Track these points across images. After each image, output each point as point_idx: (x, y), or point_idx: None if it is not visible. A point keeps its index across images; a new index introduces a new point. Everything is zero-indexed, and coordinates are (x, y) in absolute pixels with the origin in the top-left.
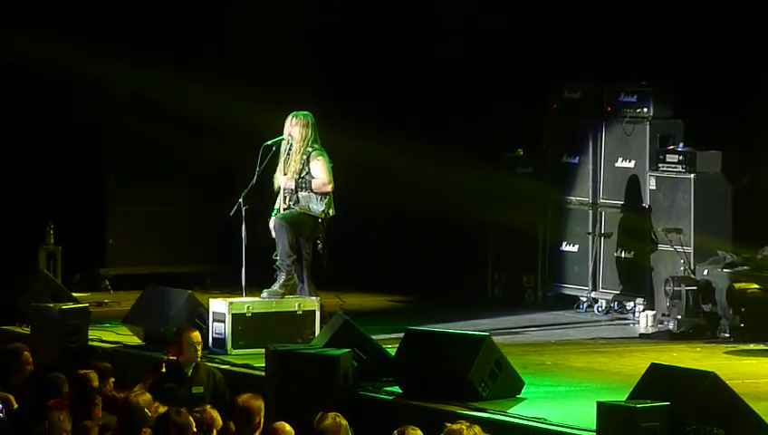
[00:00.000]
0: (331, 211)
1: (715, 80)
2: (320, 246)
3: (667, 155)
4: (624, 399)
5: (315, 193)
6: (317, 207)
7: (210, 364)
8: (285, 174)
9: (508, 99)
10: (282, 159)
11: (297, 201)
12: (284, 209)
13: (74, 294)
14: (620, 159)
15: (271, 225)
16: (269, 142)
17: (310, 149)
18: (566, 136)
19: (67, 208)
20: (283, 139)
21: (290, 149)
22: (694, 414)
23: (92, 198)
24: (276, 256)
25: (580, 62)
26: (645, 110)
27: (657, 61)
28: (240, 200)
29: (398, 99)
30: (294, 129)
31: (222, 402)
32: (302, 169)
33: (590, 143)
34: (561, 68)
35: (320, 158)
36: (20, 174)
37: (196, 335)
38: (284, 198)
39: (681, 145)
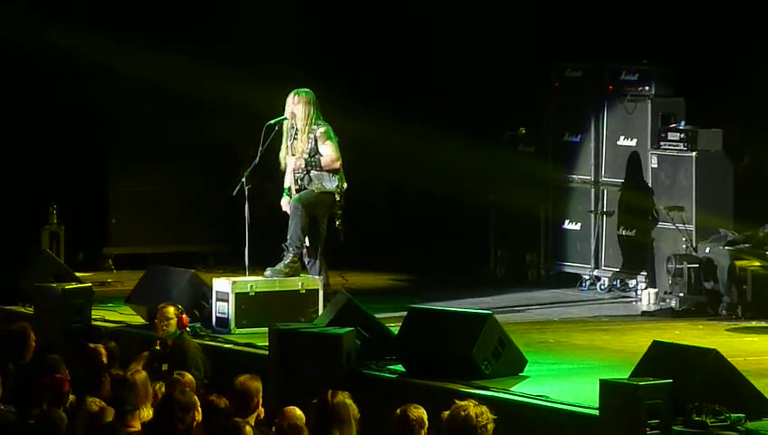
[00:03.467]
0: (344, 184)
1: (716, 58)
2: (337, 222)
3: (669, 133)
4: (627, 376)
5: (326, 171)
6: (330, 184)
7: (195, 340)
8: (293, 155)
9: (510, 78)
10: (286, 138)
11: (310, 181)
12: (297, 190)
13: (77, 274)
14: (622, 138)
15: (283, 204)
16: (272, 122)
17: (315, 127)
18: (567, 115)
19: (70, 188)
20: (285, 118)
21: (295, 130)
22: (696, 392)
23: (95, 178)
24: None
25: (581, 40)
26: (646, 88)
27: (659, 39)
28: (243, 180)
29: (399, 79)
30: (297, 107)
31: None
32: (309, 148)
33: (592, 122)
34: (563, 47)
35: (326, 136)
36: (23, 155)
37: (168, 311)
38: (296, 179)
39: (682, 123)
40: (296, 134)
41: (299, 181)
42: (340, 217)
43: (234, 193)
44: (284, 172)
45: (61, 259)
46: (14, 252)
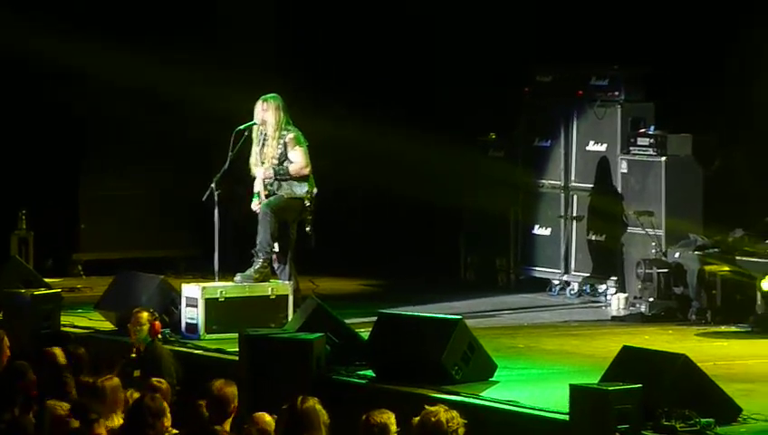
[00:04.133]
0: (314, 190)
1: (686, 63)
2: (308, 227)
3: (638, 138)
4: (596, 381)
5: (295, 178)
6: (300, 189)
7: (166, 347)
8: (262, 162)
9: (480, 82)
10: (255, 145)
11: (279, 186)
12: (266, 195)
13: (47, 280)
14: (592, 143)
15: (254, 205)
16: (241, 127)
17: (285, 132)
18: (538, 119)
19: (39, 194)
20: (255, 123)
21: (264, 135)
22: (665, 396)
23: (65, 183)
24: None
25: (552, 45)
26: (616, 93)
27: (629, 44)
28: (212, 185)
29: (371, 81)
30: (267, 113)
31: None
32: (279, 153)
33: (562, 127)
34: (533, 51)
35: (296, 141)
36: None
37: (141, 316)
38: (265, 185)
39: (652, 128)
40: (266, 140)
41: (268, 187)
42: (311, 222)
43: (203, 198)
44: (254, 178)
45: (30, 265)
46: None
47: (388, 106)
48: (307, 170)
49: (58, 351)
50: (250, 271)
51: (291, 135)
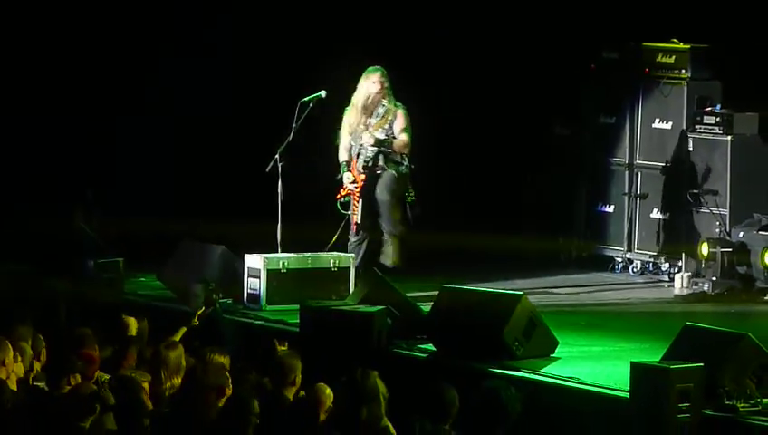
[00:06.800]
0: (411, 164)
1: (753, 41)
2: (410, 199)
3: (705, 117)
4: (658, 359)
5: (396, 152)
6: (403, 166)
7: (227, 316)
8: (366, 129)
9: (546, 58)
10: (359, 113)
11: (378, 160)
12: (365, 166)
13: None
14: (657, 121)
15: (346, 179)
16: (306, 99)
17: (394, 107)
18: (603, 96)
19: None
20: (320, 95)
21: (375, 106)
22: (727, 375)
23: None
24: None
25: (618, 22)
26: (683, 71)
27: (696, 21)
28: (276, 156)
29: (431, 58)
30: (385, 84)
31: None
32: (388, 124)
33: (628, 104)
34: (600, 28)
35: (405, 117)
36: (58, 137)
37: (197, 287)
38: (366, 159)
39: (718, 107)
40: (374, 110)
41: (367, 161)
42: (411, 195)
43: (267, 169)
44: (336, 147)
45: (94, 233)
46: (49, 226)
47: (452, 78)
48: (408, 149)
49: (132, 321)
50: (388, 251)
51: (401, 110)
